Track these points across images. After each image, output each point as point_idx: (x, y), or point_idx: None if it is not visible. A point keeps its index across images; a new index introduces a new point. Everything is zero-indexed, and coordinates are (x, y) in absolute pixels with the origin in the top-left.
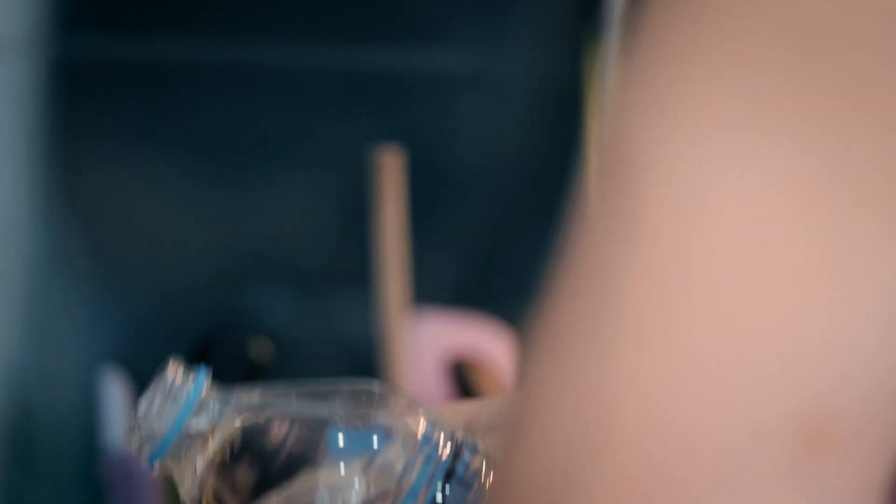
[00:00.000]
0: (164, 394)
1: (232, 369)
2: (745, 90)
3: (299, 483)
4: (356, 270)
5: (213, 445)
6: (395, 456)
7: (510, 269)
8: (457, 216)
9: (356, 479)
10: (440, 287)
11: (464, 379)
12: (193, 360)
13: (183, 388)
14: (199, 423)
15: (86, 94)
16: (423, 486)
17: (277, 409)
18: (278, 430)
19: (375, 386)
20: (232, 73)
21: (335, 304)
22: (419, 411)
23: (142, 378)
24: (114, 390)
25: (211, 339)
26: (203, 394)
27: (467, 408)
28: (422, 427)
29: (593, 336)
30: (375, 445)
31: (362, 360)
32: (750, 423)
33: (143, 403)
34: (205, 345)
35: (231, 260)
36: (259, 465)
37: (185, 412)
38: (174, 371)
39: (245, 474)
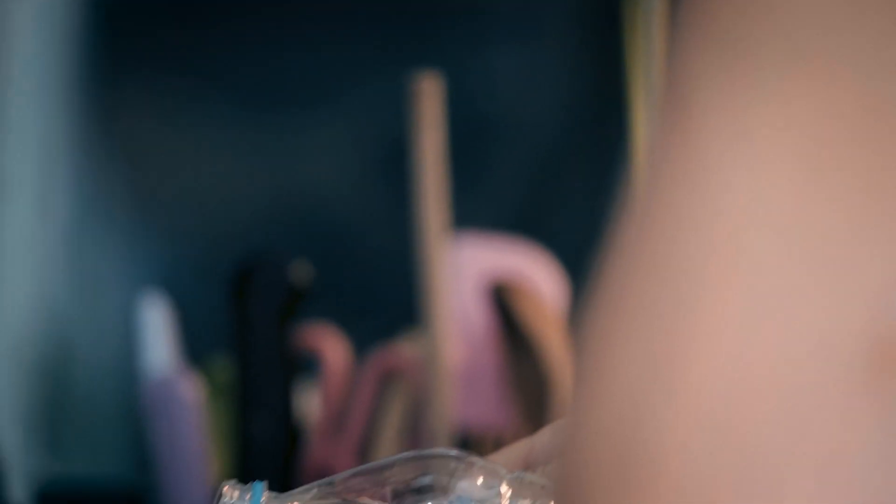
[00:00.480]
0: None
1: (272, 294)
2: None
3: None
4: (395, 201)
5: None
6: None
7: (553, 205)
8: (497, 153)
9: None
10: (480, 223)
11: (504, 303)
12: (234, 284)
13: None
14: None
15: (124, 25)
16: None
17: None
18: None
19: (450, 453)
20: (271, 3)
21: (373, 234)
22: (497, 476)
23: (182, 303)
24: (154, 315)
25: (251, 264)
26: (263, 501)
27: (522, 446)
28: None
29: (663, 278)
30: None
31: (402, 287)
32: (819, 341)
33: None
34: (245, 269)
35: (269, 190)
36: None
37: None
38: (231, 492)
39: None
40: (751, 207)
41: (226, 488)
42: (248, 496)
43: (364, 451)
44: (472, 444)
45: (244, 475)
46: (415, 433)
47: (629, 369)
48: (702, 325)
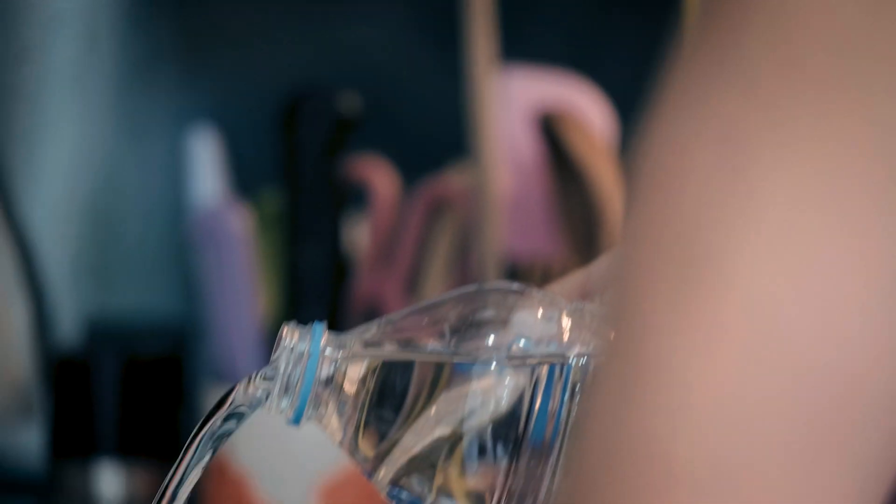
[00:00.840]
0: (287, 358)
1: (320, 124)
2: None
3: (452, 391)
4: (444, 33)
5: (349, 387)
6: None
7: (604, 41)
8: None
9: (507, 377)
10: (530, 57)
11: (553, 133)
12: (282, 115)
13: (303, 346)
14: (329, 372)
15: None
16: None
17: (405, 344)
18: (417, 367)
19: (509, 286)
20: None
21: (422, 67)
22: (557, 307)
23: (231, 134)
24: (202, 148)
25: (299, 95)
26: (323, 343)
27: (578, 276)
28: (567, 326)
29: (728, 94)
30: (521, 344)
31: (450, 118)
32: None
33: (269, 373)
34: (293, 100)
35: (317, 28)
36: (402, 392)
37: (312, 368)
38: (290, 334)
39: (391, 402)
40: (808, 32)
41: (285, 330)
42: (308, 337)
43: (413, 282)
44: (521, 273)
45: (292, 306)
46: (463, 263)
47: (692, 183)
48: (766, 140)
